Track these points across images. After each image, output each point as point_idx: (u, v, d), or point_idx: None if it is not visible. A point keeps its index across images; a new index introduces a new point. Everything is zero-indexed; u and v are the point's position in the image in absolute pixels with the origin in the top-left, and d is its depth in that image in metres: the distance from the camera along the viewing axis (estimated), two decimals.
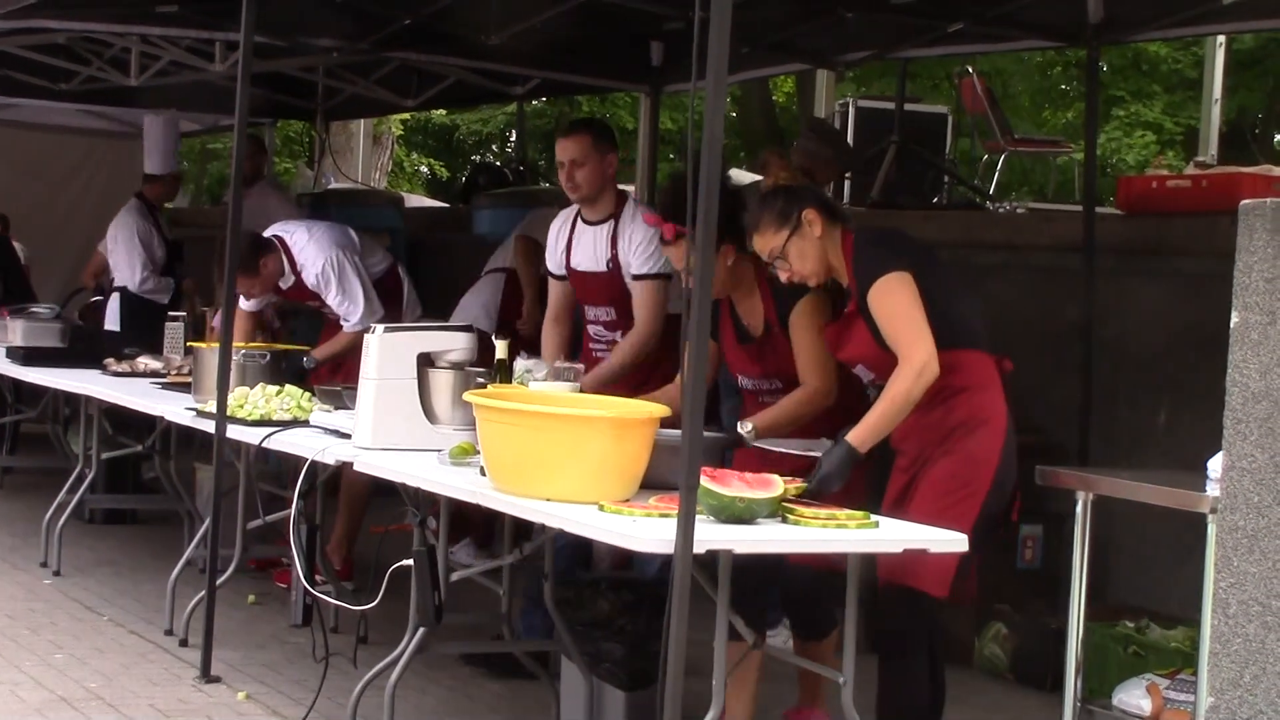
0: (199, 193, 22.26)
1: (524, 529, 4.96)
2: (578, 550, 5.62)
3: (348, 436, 4.99)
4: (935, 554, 4.16)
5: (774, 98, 18.36)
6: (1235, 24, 7.44)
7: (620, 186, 5.92)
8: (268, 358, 6.07)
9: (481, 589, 5.41)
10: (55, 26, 7.88)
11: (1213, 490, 4.31)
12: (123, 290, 9.26)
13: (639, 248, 5.71)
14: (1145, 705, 5.11)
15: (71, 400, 8.22)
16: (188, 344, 7.07)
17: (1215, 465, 4.38)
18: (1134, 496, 4.73)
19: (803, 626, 4.99)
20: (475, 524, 7.32)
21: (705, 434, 3.73)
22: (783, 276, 4.49)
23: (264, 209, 8.77)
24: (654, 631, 4.00)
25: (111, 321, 9.20)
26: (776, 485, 3.93)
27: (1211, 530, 4.23)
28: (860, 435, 4.21)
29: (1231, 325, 3.10)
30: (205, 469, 7.33)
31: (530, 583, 5.53)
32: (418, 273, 7.38)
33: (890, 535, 3.95)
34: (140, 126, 12.47)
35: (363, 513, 7.11)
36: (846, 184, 9.89)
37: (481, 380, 4.76)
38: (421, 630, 4.86)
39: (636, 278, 5.71)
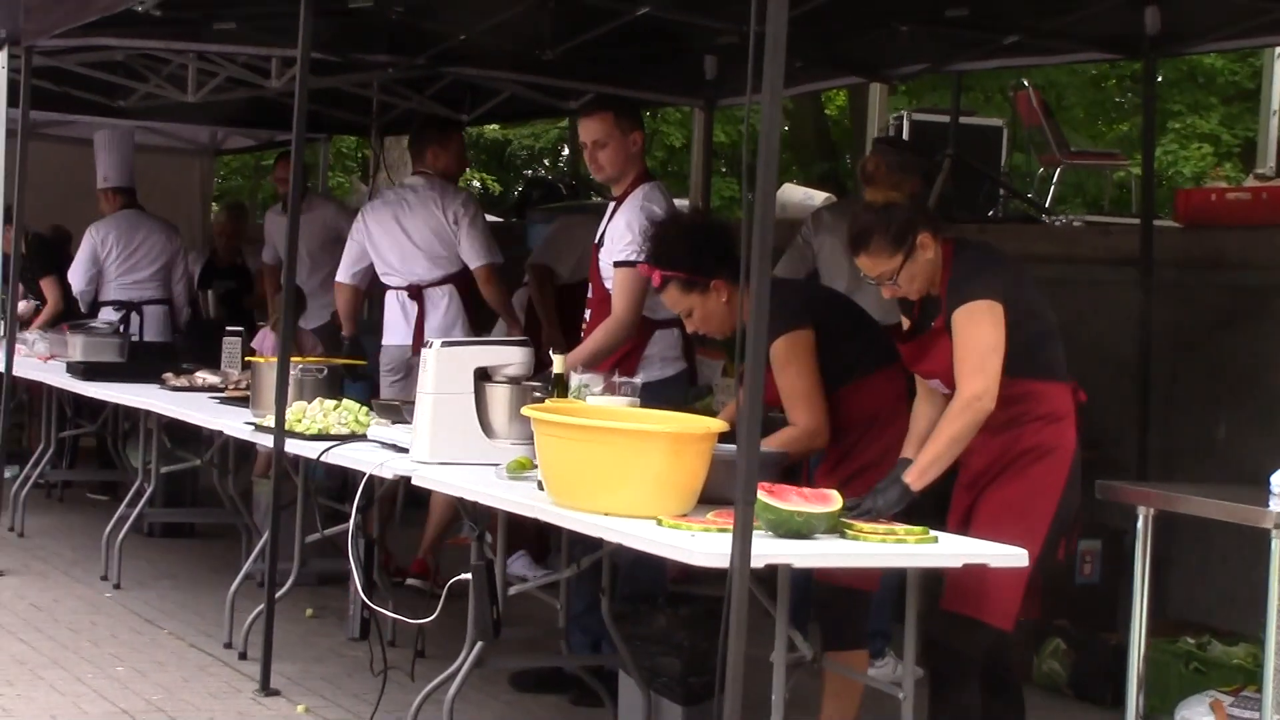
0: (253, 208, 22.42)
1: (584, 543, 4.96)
2: (649, 569, 5.36)
3: (406, 450, 5.01)
4: (999, 584, 4.15)
5: (826, 111, 18.33)
6: None
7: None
8: (325, 372, 6.09)
9: (539, 603, 5.41)
10: (114, 44, 7.96)
11: (1275, 505, 4.28)
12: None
13: (620, 233, 5.54)
14: None
15: (130, 415, 8.29)
16: (245, 359, 7.13)
17: (1278, 480, 4.35)
18: (1196, 511, 4.70)
19: (829, 637, 4.85)
20: (530, 537, 7.34)
21: (762, 449, 3.72)
22: (886, 294, 4.45)
23: (323, 220, 8.86)
24: (712, 647, 3.99)
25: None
26: (835, 500, 3.92)
27: (1275, 545, 4.20)
28: (914, 475, 4.21)
29: None
30: (263, 483, 7.37)
31: (575, 600, 5.47)
32: (470, 287, 7.33)
33: (950, 550, 3.93)
34: (196, 143, 12.66)
35: (450, 520, 7.14)
36: None
37: (539, 395, 4.76)
38: (480, 644, 4.87)
39: (615, 264, 5.56)
